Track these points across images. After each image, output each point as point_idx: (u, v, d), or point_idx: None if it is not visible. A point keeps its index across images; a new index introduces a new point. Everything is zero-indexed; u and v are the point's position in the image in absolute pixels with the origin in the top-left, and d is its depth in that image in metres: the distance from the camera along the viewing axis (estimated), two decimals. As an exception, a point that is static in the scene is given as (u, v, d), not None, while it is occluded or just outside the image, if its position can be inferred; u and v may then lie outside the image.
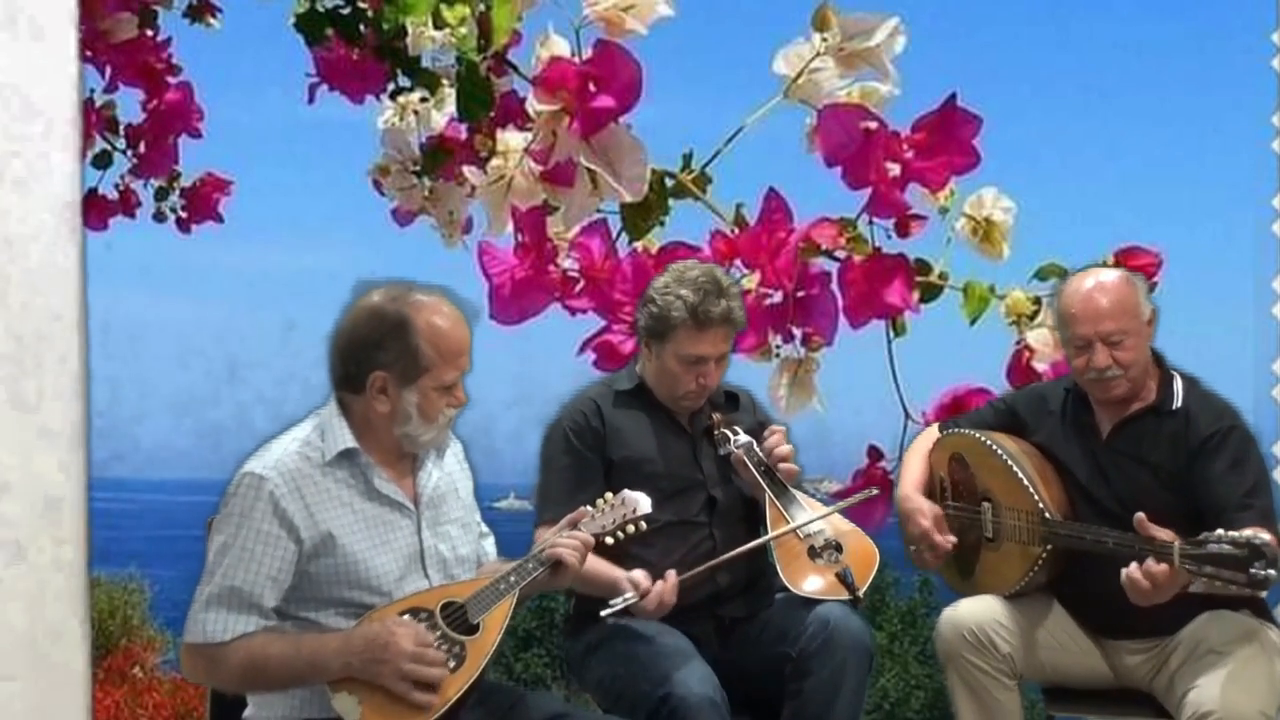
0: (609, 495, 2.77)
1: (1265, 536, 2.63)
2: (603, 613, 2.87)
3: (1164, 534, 2.76)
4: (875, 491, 3.33)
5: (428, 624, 2.47)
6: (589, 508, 2.73)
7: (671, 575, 2.91)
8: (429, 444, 2.60)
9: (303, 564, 2.47)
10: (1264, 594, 2.71)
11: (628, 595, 2.86)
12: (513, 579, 2.57)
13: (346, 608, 2.49)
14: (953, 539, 3.19)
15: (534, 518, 3.06)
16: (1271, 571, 2.61)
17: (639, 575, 2.89)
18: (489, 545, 2.80)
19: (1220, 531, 2.66)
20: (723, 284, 3.07)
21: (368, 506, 2.54)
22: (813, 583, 2.99)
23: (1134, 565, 2.78)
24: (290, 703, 2.51)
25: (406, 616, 2.47)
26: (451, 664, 2.45)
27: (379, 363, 2.52)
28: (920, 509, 3.21)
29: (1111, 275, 3.04)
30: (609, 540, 2.72)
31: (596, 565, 2.83)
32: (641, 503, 2.76)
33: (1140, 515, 2.81)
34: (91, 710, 1.72)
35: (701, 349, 3.05)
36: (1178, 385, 3.03)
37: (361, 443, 2.55)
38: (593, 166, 3.04)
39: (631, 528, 2.74)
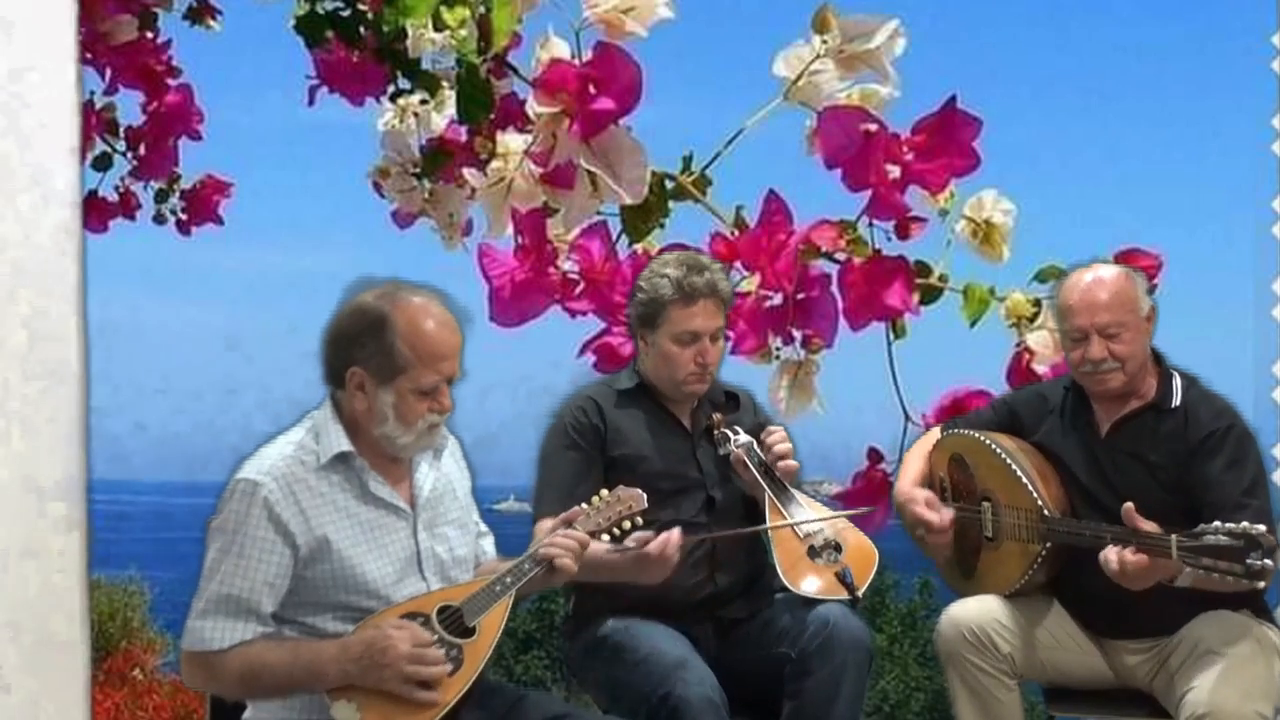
0: (604, 492, 2.76)
1: (1261, 527, 2.65)
2: (608, 548, 2.78)
3: (1150, 526, 2.79)
4: (873, 509, 3.33)
5: (424, 628, 2.46)
6: (584, 505, 2.72)
7: (676, 531, 2.85)
8: (409, 449, 2.57)
9: (299, 569, 2.46)
10: (1261, 585, 2.72)
11: (629, 545, 2.78)
12: (508, 580, 2.56)
13: (344, 612, 2.49)
14: (950, 513, 3.18)
15: (533, 514, 3.06)
16: (1268, 561, 2.63)
17: (644, 535, 2.81)
18: (488, 544, 2.79)
19: (1217, 523, 2.67)
20: (703, 260, 3.12)
21: (363, 510, 2.53)
22: (812, 583, 3.00)
23: (1110, 549, 2.81)
24: (289, 706, 2.50)
25: (402, 620, 2.46)
26: (449, 667, 2.44)
27: (355, 359, 2.51)
28: (912, 498, 3.21)
29: (1111, 269, 3.06)
30: (605, 537, 2.72)
31: (603, 555, 2.80)
32: (637, 499, 2.75)
33: (1128, 506, 2.84)
34: (91, 712, 1.72)
35: (694, 323, 3.06)
36: (1177, 383, 3.04)
37: (355, 444, 2.54)
38: (593, 169, 3.04)
39: (627, 524, 2.73)
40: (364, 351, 2.50)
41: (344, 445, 2.53)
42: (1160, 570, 2.79)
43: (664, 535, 2.84)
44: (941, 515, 3.18)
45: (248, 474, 2.48)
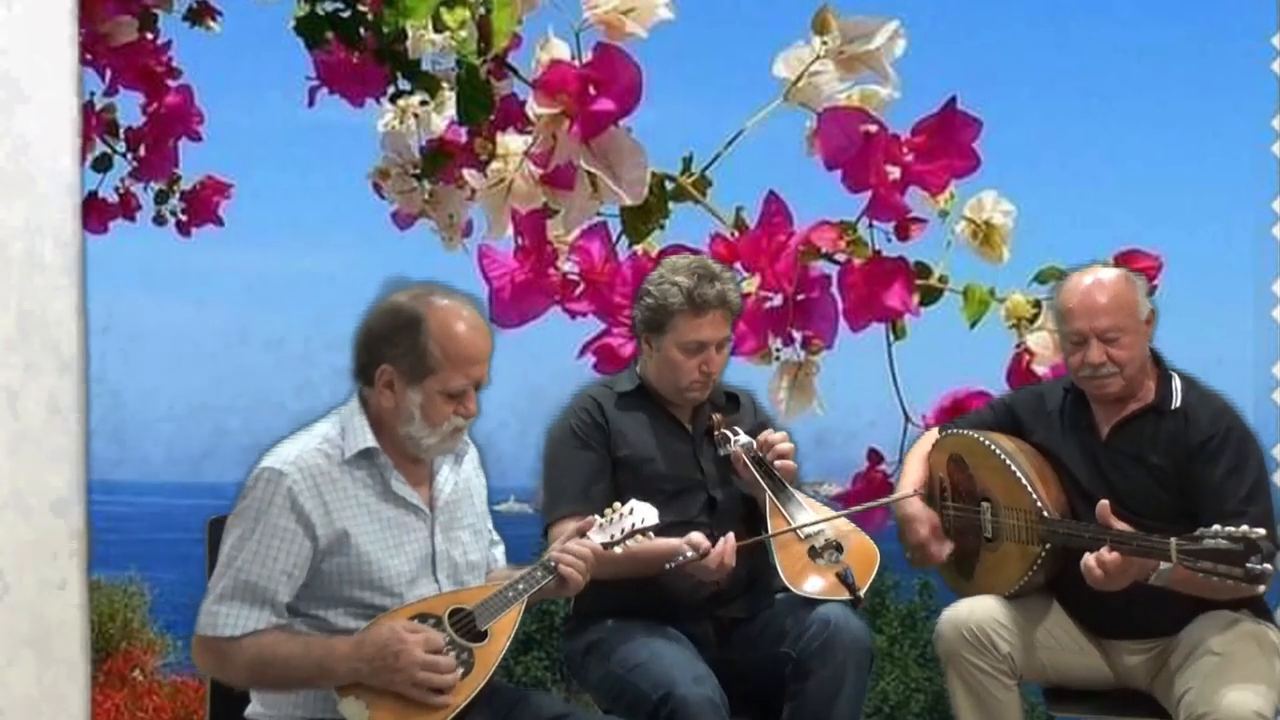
0: (617, 505, 2.77)
1: (1261, 531, 2.65)
2: (666, 565, 2.87)
3: (1123, 526, 2.82)
4: (879, 504, 3.33)
5: (436, 630, 2.46)
6: (598, 517, 2.74)
7: (731, 537, 2.94)
8: (432, 450, 2.58)
9: (316, 561, 2.47)
10: (1260, 589, 2.73)
11: (688, 554, 2.87)
12: (521, 587, 2.57)
13: (357, 607, 2.50)
14: (950, 546, 3.20)
15: (544, 518, 3.06)
16: (1268, 566, 2.63)
17: (697, 537, 2.91)
18: (499, 553, 2.80)
19: (1216, 527, 2.68)
20: (714, 269, 3.10)
21: (384, 507, 2.54)
22: (813, 583, 2.99)
23: (1089, 556, 2.83)
24: (295, 703, 2.51)
25: (415, 622, 2.47)
26: (460, 671, 2.45)
27: (386, 356, 2.52)
28: (918, 516, 3.21)
29: (1110, 273, 3.05)
30: (616, 550, 2.72)
31: (649, 543, 2.82)
32: (649, 514, 2.76)
33: (1103, 504, 2.85)
34: (91, 713, 1.72)
35: (702, 334, 3.06)
36: (1176, 385, 3.04)
37: (380, 442, 2.55)
38: (593, 170, 3.04)
39: (638, 539, 2.74)
40: (395, 350, 2.51)
41: (369, 441, 2.54)
42: (1138, 568, 2.81)
43: (720, 545, 2.92)
44: (944, 548, 3.19)
45: (272, 463, 2.49)
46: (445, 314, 2.52)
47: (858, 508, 3.24)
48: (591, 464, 3.08)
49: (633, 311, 3.18)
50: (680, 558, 2.87)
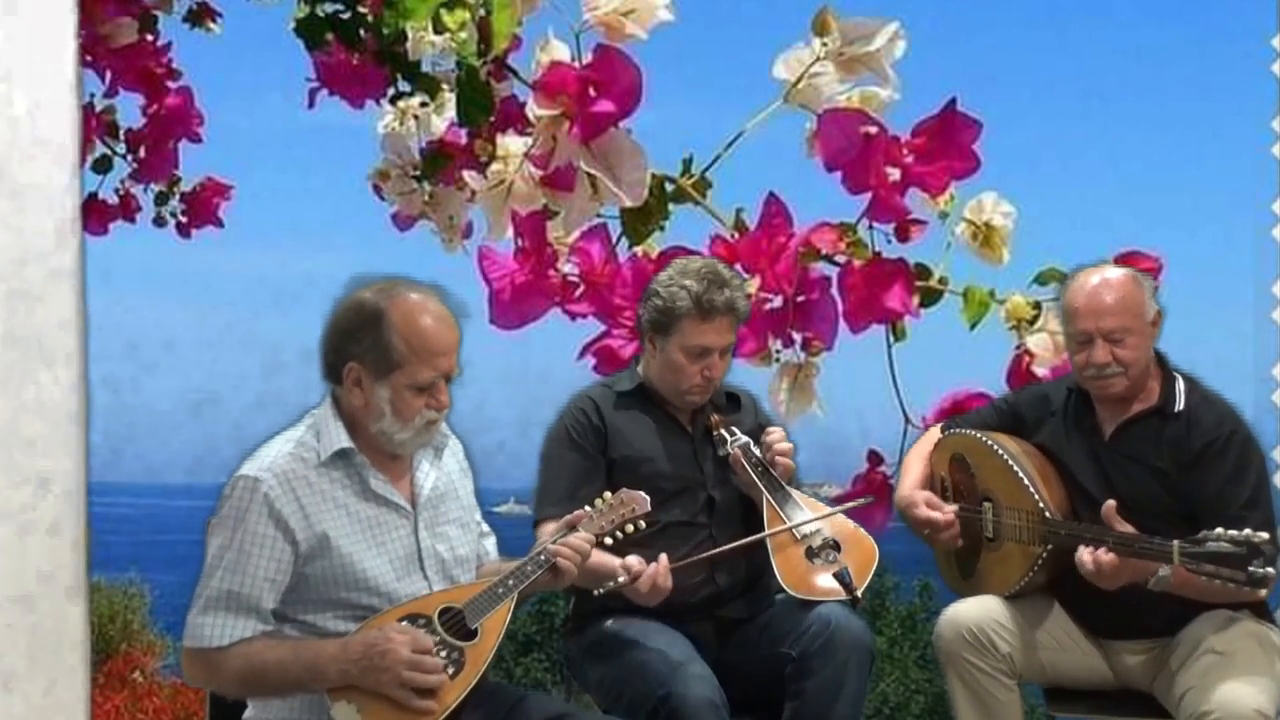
0: (607, 495, 2.77)
1: (1264, 535, 2.65)
2: (596, 591, 2.85)
3: (1125, 527, 2.82)
4: (871, 499, 3.33)
5: (425, 630, 2.46)
6: (588, 508, 2.73)
7: (663, 559, 2.88)
8: (407, 445, 2.57)
9: (299, 566, 2.47)
10: (1262, 592, 2.72)
11: (620, 579, 2.83)
12: (510, 583, 2.57)
13: (345, 610, 2.49)
14: (951, 509, 3.18)
15: (534, 516, 3.06)
16: (1270, 569, 2.63)
17: (633, 560, 2.86)
18: (490, 545, 2.80)
19: (1219, 530, 2.67)
20: (724, 275, 3.10)
21: (363, 507, 2.53)
22: (811, 585, 2.98)
23: (1085, 550, 2.83)
24: (290, 706, 2.50)
25: (404, 623, 2.46)
26: (450, 670, 2.44)
27: (352, 354, 2.51)
28: (912, 501, 3.21)
29: (1118, 273, 3.04)
30: (608, 540, 2.72)
31: (595, 557, 2.79)
32: (641, 502, 2.75)
33: (1108, 505, 2.85)
34: (91, 715, 1.72)
35: (707, 339, 3.06)
36: (1180, 387, 3.04)
37: (356, 442, 2.54)
38: (593, 171, 3.04)
39: (630, 527, 2.74)
40: (360, 347, 2.50)
41: (344, 442, 2.53)
42: (1132, 570, 2.81)
43: (652, 568, 2.86)
44: (944, 513, 3.18)
45: (248, 471, 2.49)
46: (408, 307, 2.51)
47: (851, 504, 3.23)
48: (582, 466, 3.08)
49: (639, 310, 3.18)
50: (611, 583, 2.84)
